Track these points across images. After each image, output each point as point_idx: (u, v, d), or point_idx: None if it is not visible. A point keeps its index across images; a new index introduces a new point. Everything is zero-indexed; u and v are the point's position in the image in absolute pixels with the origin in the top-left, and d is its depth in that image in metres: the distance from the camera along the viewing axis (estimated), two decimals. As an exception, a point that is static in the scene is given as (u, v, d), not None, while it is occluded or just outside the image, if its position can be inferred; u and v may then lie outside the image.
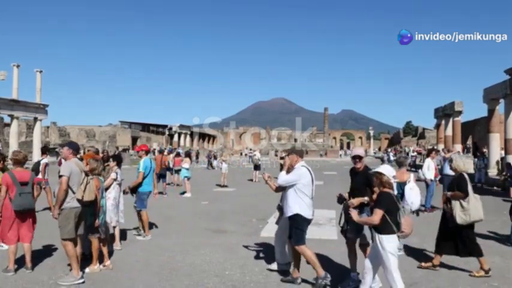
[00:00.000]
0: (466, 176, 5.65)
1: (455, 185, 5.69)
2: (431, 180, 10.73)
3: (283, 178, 5.05)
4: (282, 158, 5.79)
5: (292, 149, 5.50)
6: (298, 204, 4.93)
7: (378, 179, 4.20)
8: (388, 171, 4.25)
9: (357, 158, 4.97)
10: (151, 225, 8.20)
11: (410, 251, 6.51)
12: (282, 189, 5.18)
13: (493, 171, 18.36)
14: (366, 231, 4.86)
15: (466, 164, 5.82)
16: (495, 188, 16.43)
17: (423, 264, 5.73)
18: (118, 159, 6.73)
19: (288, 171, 5.12)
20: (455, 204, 5.51)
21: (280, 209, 5.48)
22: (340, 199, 5.03)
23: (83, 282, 4.99)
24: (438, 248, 5.70)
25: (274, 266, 5.55)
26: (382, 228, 4.02)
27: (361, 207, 4.78)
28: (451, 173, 11.28)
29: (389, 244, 4.02)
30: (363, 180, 4.83)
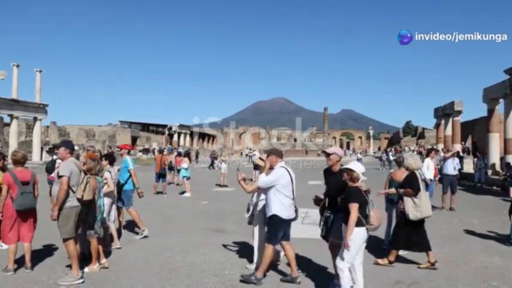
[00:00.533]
0: (418, 174, 5.85)
1: (407, 183, 5.88)
2: (431, 180, 10.73)
3: (262, 180, 5.08)
4: (260, 158, 5.80)
5: (271, 149, 5.52)
6: (276, 205, 5.00)
7: (348, 175, 4.35)
8: (358, 168, 4.37)
9: (326, 155, 4.97)
10: (151, 225, 8.20)
11: (410, 251, 6.49)
12: (263, 191, 5.24)
13: (491, 172, 18.35)
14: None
15: (417, 162, 6.05)
16: (495, 187, 16.43)
17: (379, 261, 5.83)
18: (110, 158, 6.74)
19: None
20: (407, 201, 5.71)
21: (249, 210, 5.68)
22: (316, 201, 5.01)
23: (83, 282, 4.99)
24: (392, 244, 5.87)
25: (253, 266, 5.51)
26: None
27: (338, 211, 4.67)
28: (451, 172, 11.43)
29: (357, 235, 4.17)
30: (339, 180, 4.69)
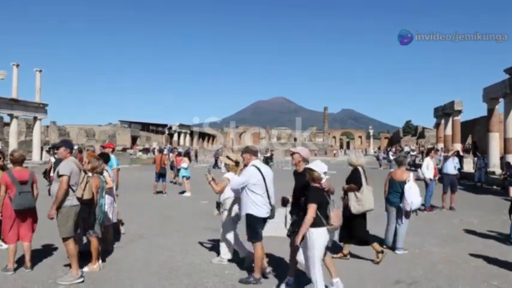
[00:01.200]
0: (361, 170, 6.08)
1: (351, 178, 6.09)
2: (431, 180, 10.73)
3: (234, 182, 5.16)
4: (227, 157, 6.01)
5: (246, 147, 5.60)
6: (249, 203, 5.07)
7: (310, 174, 4.35)
8: (319, 167, 4.37)
9: (290, 154, 5.01)
10: (151, 225, 8.21)
11: (410, 250, 6.50)
12: (235, 191, 5.35)
13: (493, 170, 18.35)
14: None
15: (359, 159, 6.34)
16: (495, 187, 16.42)
17: (335, 256, 5.93)
18: (105, 157, 6.77)
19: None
20: (351, 195, 5.96)
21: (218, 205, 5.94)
22: (284, 201, 5.02)
23: (82, 282, 4.99)
24: (339, 238, 5.97)
25: (217, 259, 5.82)
26: (312, 221, 4.16)
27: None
28: (451, 172, 11.43)
29: (318, 236, 4.18)
30: (302, 181, 4.73)
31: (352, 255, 6.19)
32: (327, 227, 4.20)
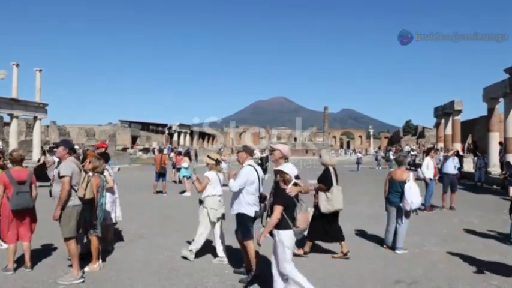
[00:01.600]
0: (331, 170, 6.22)
1: (322, 178, 6.22)
2: (431, 179, 10.73)
3: (235, 185, 5.13)
4: (208, 156, 6.28)
5: (243, 146, 5.70)
6: (243, 203, 5.15)
7: (281, 176, 4.36)
8: (291, 170, 4.40)
9: (270, 151, 5.05)
10: (151, 224, 8.22)
11: (410, 250, 6.50)
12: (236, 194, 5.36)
13: (493, 169, 18.34)
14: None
15: (332, 159, 6.47)
16: (495, 186, 16.42)
17: (295, 251, 5.93)
18: (105, 157, 6.78)
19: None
20: (321, 195, 6.10)
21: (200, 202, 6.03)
22: (262, 198, 5.13)
23: (83, 282, 4.99)
24: (308, 235, 5.98)
25: (217, 259, 5.91)
26: (279, 223, 4.18)
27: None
28: (451, 172, 11.42)
29: (285, 238, 4.18)
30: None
31: (353, 255, 6.19)
32: (293, 229, 4.20)
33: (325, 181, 6.14)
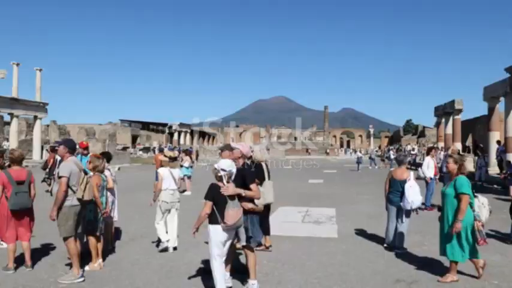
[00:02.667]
0: (264, 165, 6.51)
1: (255, 173, 6.31)
2: (431, 179, 10.72)
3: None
4: (164, 155, 7.21)
5: (225, 145, 5.89)
6: None
7: (213, 172, 4.45)
8: (227, 166, 4.43)
9: (229, 150, 5.08)
10: (151, 224, 8.17)
11: (411, 249, 6.50)
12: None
13: (493, 169, 18.34)
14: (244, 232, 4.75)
15: (264, 155, 6.78)
16: (495, 186, 16.41)
17: (257, 247, 5.95)
18: (107, 156, 6.79)
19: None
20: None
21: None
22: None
23: (83, 281, 4.99)
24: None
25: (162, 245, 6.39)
26: (210, 218, 4.32)
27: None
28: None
29: (213, 233, 4.32)
30: (239, 176, 4.72)
31: (353, 254, 6.19)
32: (221, 224, 4.26)
33: (257, 176, 6.13)
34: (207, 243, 6.85)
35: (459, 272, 5.18)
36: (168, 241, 6.49)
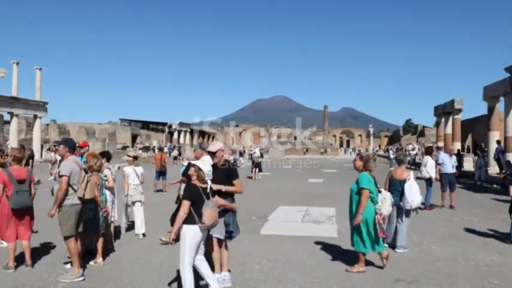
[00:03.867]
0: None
1: (185, 171, 6.46)
2: (431, 178, 10.72)
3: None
4: (128, 155, 7.90)
5: (199, 144, 6.10)
6: None
7: (196, 172, 4.40)
8: (205, 168, 4.47)
9: (211, 154, 5.12)
10: (152, 223, 8.20)
11: (410, 249, 6.51)
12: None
13: (493, 169, 18.34)
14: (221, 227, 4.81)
15: (193, 154, 6.74)
16: (495, 185, 16.43)
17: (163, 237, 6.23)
18: (107, 156, 6.80)
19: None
20: (182, 186, 6.59)
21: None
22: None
23: (83, 280, 5.00)
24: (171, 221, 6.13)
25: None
26: (185, 218, 4.22)
27: (224, 211, 4.81)
28: (449, 171, 11.36)
29: (188, 233, 4.22)
30: (223, 174, 4.93)
31: (353, 253, 6.19)
32: (199, 225, 4.21)
33: (186, 174, 6.29)
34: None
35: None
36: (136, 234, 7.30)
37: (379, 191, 5.62)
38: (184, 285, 4.21)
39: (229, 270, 5.01)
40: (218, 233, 4.75)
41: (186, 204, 4.22)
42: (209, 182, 4.49)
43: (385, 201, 5.58)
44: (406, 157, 7.69)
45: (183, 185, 6.19)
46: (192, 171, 4.43)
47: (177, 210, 4.49)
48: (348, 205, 5.71)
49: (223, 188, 4.76)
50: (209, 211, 4.22)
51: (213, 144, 5.32)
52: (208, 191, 4.37)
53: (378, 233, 5.35)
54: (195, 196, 4.25)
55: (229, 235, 4.94)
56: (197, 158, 5.57)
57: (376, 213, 5.37)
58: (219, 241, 4.86)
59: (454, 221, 9.09)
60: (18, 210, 5.36)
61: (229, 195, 4.93)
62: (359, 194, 5.41)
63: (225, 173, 4.94)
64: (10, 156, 5.72)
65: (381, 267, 5.50)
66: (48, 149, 23.00)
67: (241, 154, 34.73)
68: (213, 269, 4.68)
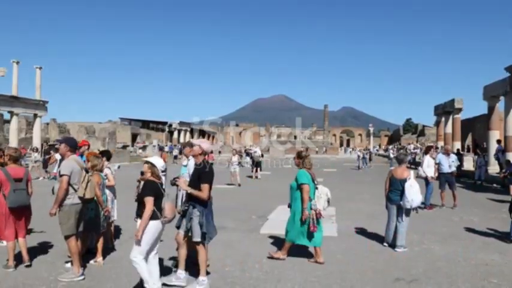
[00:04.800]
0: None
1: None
2: (432, 178, 10.71)
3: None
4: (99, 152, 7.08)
5: (187, 142, 6.16)
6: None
7: (149, 168, 4.51)
8: (158, 163, 4.58)
9: (189, 146, 5.33)
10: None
11: (410, 248, 6.51)
12: None
13: (493, 168, 18.35)
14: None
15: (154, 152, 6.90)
16: (495, 185, 16.43)
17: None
18: (107, 155, 6.81)
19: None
20: (141, 184, 6.50)
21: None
22: (172, 183, 5.15)
23: (83, 279, 5.00)
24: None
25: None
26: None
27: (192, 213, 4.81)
28: (446, 170, 11.34)
29: (154, 229, 4.37)
30: (195, 174, 4.85)
31: (353, 253, 6.20)
32: (161, 219, 4.34)
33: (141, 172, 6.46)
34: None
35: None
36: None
37: (316, 188, 5.87)
38: (142, 273, 4.36)
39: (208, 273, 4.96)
40: (197, 234, 4.70)
41: (151, 201, 4.33)
42: (163, 178, 4.65)
43: (320, 198, 5.86)
44: (407, 156, 7.69)
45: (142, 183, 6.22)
46: (145, 168, 4.54)
47: (138, 208, 4.51)
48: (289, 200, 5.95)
49: (189, 189, 4.71)
50: (170, 205, 4.39)
51: (202, 141, 5.26)
52: (164, 186, 4.52)
53: (310, 227, 5.61)
54: (157, 191, 4.39)
55: (204, 236, 4.78)
56: (186, 156, 5.76)
57: (311, 209, 5.63)
58: (196, 243, 4.79)
59: (454, 221, 9.09)
60: (16, 209, 5.36)
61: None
62: (300, 189, 5.70)
63: (197, 174, 4.81)
64: (6, 155, 5.71)
65: (380, 266, 5.50)
66: (45, 151, 22.81)
67: (248, 154, 33.76)
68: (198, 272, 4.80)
